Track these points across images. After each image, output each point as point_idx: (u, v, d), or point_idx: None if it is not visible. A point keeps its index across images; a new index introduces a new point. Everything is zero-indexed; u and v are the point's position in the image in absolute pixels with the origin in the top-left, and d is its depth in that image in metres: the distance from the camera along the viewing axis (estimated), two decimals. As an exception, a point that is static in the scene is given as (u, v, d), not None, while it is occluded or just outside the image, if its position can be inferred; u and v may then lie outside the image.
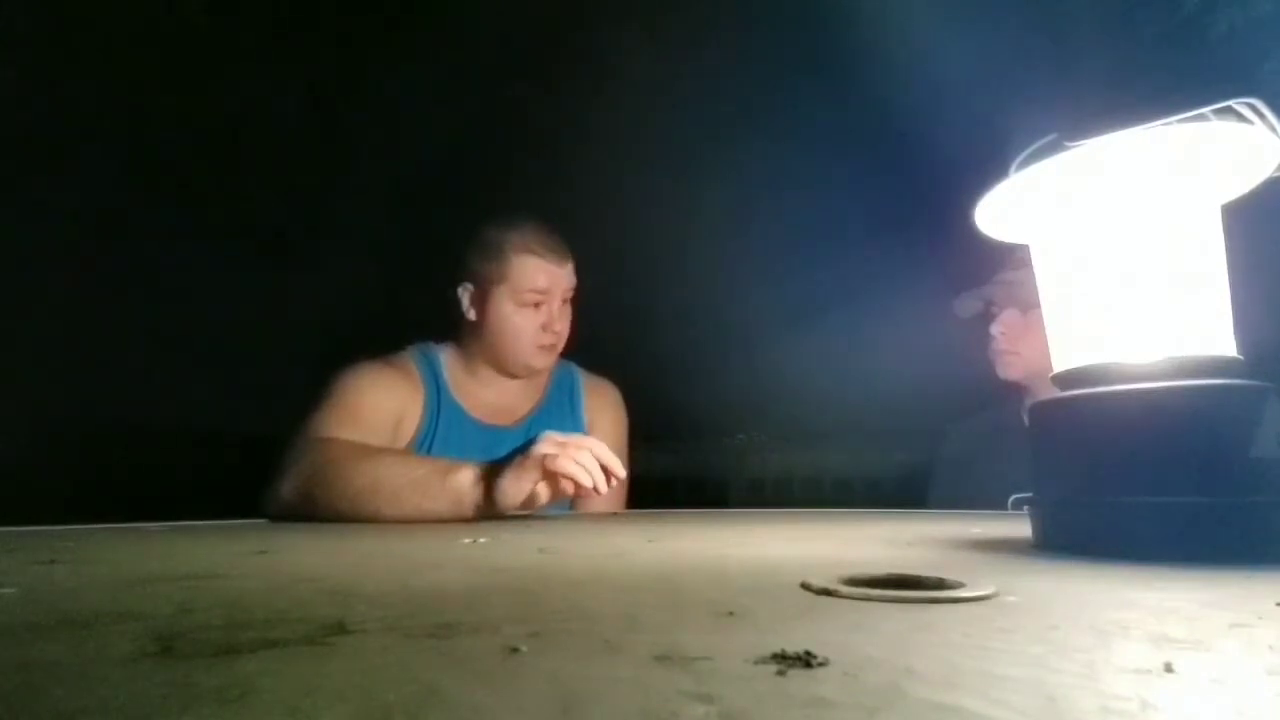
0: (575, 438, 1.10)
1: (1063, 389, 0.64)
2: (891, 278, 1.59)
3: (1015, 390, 1.54)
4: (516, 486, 1.06)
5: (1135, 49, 1.41)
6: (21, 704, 0.21)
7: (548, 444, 1.07)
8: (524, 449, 1.08)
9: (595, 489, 1.07)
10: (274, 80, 1.71)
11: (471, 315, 1.44)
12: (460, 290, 1.45)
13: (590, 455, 1.08)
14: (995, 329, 1.49)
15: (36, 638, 0.30)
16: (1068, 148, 0.60)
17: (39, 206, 1.52)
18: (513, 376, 1.48)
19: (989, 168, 0.66)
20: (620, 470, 1.10)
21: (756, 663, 0.25)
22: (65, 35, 1.56)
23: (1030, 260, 1.38)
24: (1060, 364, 0.66)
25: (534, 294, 1.40)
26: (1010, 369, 1.48)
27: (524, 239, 1.41)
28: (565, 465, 1.06)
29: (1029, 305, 1.43)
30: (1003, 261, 1.47)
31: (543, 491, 1.08)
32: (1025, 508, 0.66)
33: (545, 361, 1.46)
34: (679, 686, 0.23)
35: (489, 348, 1.44)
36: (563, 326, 1.45)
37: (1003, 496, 0.86)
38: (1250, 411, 0.54)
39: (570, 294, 1.46)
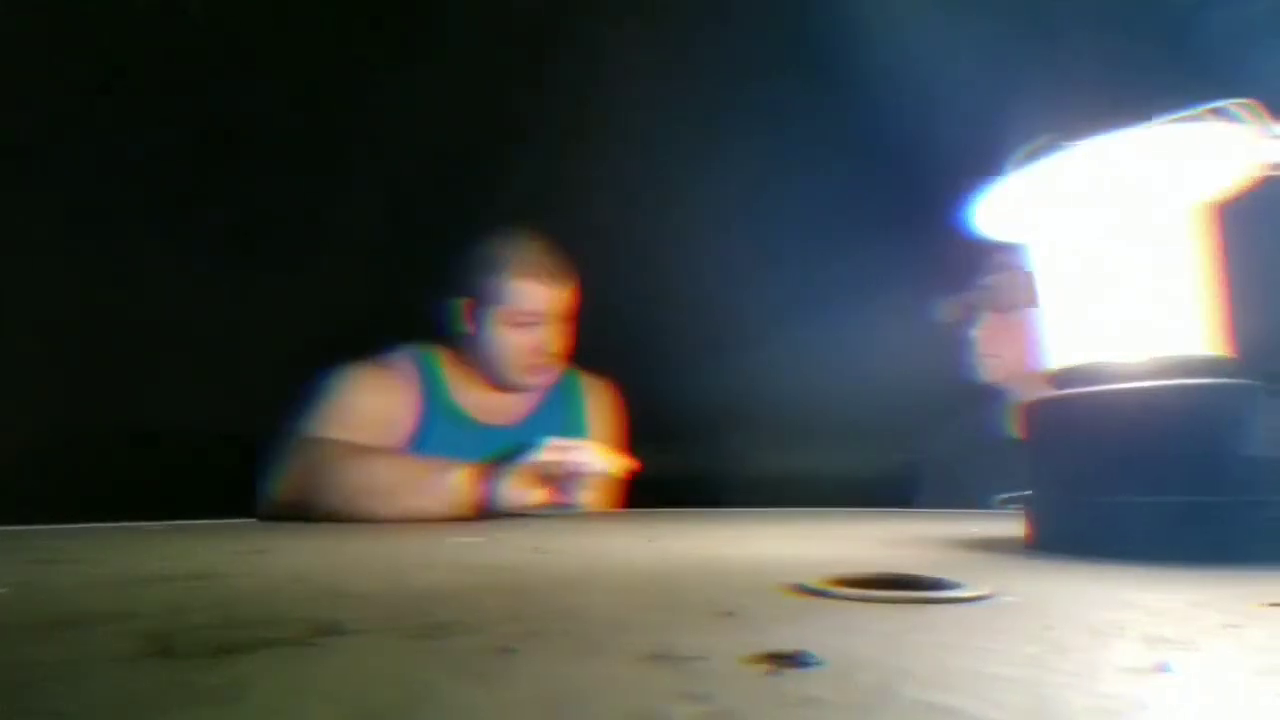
0: (576, 442, 1.12)
1: (1056, 388, 0.64)
2: (889, 277, 1.60)
3: (997, 392, 1.55)
4: (516, 491, 1.07)
5: (1131, 48, 1.41)
6: (17, 703, 0.21)
7: (549, 450, 1.09)
8: (524, 452, 1.09)
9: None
10: (268, 80, 1.71)
11: (468, 329, 1.44)
12: (457, 303, 1.44)
13: (590, 459, 1.10)
14: (975, 333, 1.50)
15: (32, 637, 0.30)
16: (1062, 147, 0.60)
17: (34, 206, 1.52)
18: (503, 391, 1.47)
19: (984, 167, 0.66)
20: (626, 463, 1.13)
21: (750, 662, 0.25)
22: (57, 33, 1.56)
23: (1009, 264, 1.40)
24: (1054, 363, 0.66)
25: (529, 316, 1.40)
26: (991, 372, 1.50)
27: (522, 260, 1.40)
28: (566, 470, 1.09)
29: (1007, 309, 1.44)
30: (982, 266, 1.49)
31: (541, 495, 1.10)
32: (1012, 507, 0.66)
33: (535, 381, 1.46)
34: (672, 686, 0.23)
35: (482, 362, 1.44)
36: (555, 347, 1.45)
37: (986, 496, 0.87)
38: (1243, 411, 0.54)
39: (565, 313, 1.46)
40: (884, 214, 1.64)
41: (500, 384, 1.45)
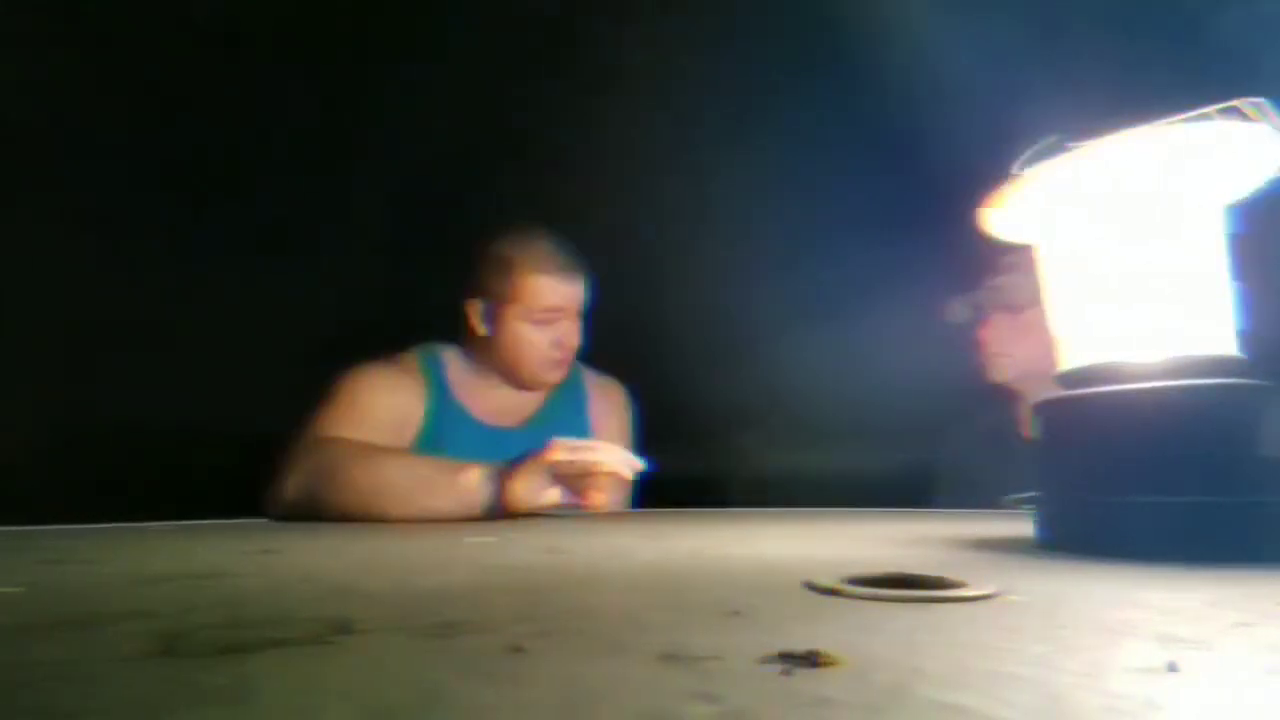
0: (586, 442, 1.12)
1: (1066, 388, 0.64)
2: (896, 278, 1.59)
3: (1008, 392, 1.54)
4: (526, 490, 1.07)
5: (1139, 47, 1.40)
6: (25, 703, 0.21)
7: (559, 450, 1.09)
8: (534, 452, 1.09)
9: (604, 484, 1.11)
10: (278, 79, 1.71)
11: (483, 330, 1.44)
12: (471, 305, 1.45)
13: (601, 458, 1.10)
14: (985, 333, 1.50)
15: (41, 637, 0.30)
16: (1071, 147, 0.60)
17: (38, 205, 1.53)
18: (523, 389, 1.48)
19: (992, 168, 0.66)
20: (638, 463, 1.13)
21: (762, 662, 0.25)
22: (67, 31, 1.56)
23: (1019, 264, 1.39)
24: (1064, 363, 0.66)
25: (546, 312, 1.40)
26: (1001, 371, 1.49)
27: (536, 257, 1.41)
28: (577, 470, 1.09)
29: (1018, 308, 1.44)
30: (992, 266, 1.48)
31: (551, 495, 1.10)
32: (1020, 507, 0.66)
33: (557, 376, 1.47)
34: (684, 686, 0.23)
35: (500, 361, 1.45)
36: (574, 341, 1.46)
37: (997, 496, 0.86)
38: (1254, 411, 0.54)
39: (581, 308, 1.46)
40: (893, 215, 1.64)
41: (520, 382, 1.46)
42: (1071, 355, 0.65)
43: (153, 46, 1.62)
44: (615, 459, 1.12)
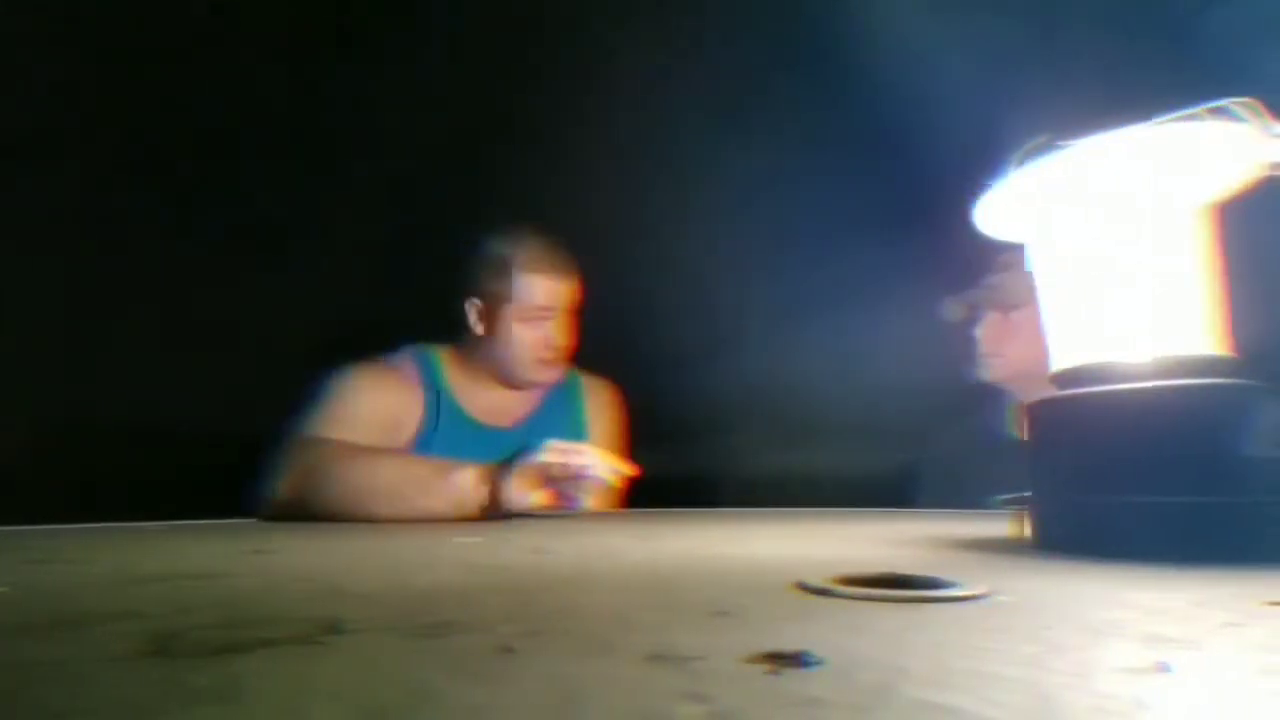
0: (579, 446, 1.13)
1: (1059, 388, 0.64)
2: (886, 277, 1.59)
3: (1000, 392, 1.54)
4: (517, 490, 1.07)
5: (1131, 47, 1.41)
6: (15, 704, 0.21)
7: (551, 452, 1.09)
8: (527, 453, 1.09)
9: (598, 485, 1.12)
10: (270, 78, 1.71)
11: (479, 330, 1.45)
12: (467, 305, 1.45)
13: (593, 463, 1.11)
14: (978, 332, 1.49)
15: (31, 637, 0.30)
16: (1063, 146, 0.60)
17: (34, 205, 1.52)
18: (515, 388, 1.49)
19: (983, 167, 0.66)
20: (628, 469, 1.13)
21: (750, 662, 0.25)
22: (59, 30, 1.56)
23: (1013, 263, 1.39)
24: (1056, 363, 0.66)
25: (539, 310, 1.41)
26: (993, 371, 1.49)
27: (529, 256, 1.42)
28: (568, 473, 1.09)
29: (1011, 308, 1.43)
30: (986, 265, 1.48)
31: (543, 497, 1.10)
32: (1009, 507, 0.67)
33: (548, 375, 1.48)
34: (673, 686, 0.23)
35: (493, 360, 1.45)
36: (564, 340, 1.46)
37: (988, 496, 0.87)
38: (1244, 411, 0.54)
39: (575, 306, 1.47)
40: (886, 213, 1.64)
41: (512, 381, 1.47)
42: (1064, 355, 0.65)
43: (151, 46, 1.61)
44: (606, 464, 1.13)
